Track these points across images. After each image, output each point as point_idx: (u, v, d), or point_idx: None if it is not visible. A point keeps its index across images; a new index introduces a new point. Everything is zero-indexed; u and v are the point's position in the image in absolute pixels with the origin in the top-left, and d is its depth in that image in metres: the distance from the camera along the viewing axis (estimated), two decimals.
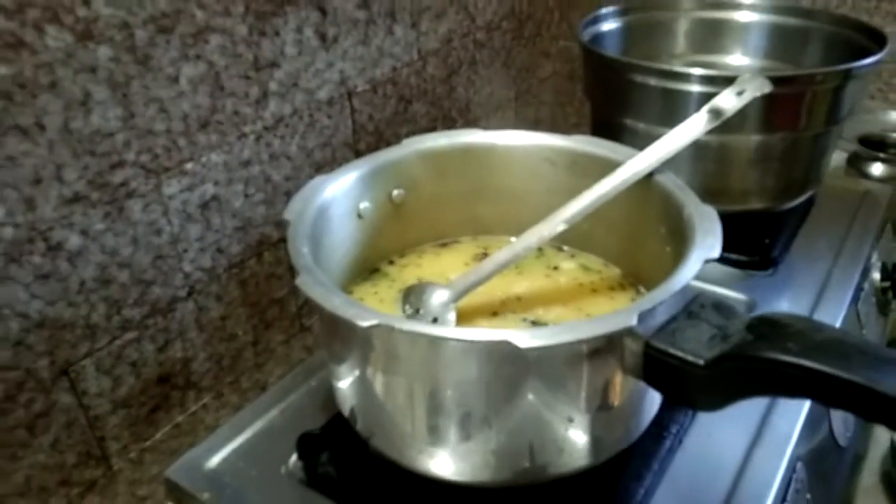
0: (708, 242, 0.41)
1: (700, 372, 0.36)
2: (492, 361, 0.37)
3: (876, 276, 0.73)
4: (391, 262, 0.58)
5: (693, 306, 0.39)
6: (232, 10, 0.56)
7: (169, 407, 0.63)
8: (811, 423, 0.54)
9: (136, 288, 0.57)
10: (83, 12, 0.47)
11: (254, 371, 0.70)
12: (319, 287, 0.38)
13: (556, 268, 0.57)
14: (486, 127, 0.92)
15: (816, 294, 0.67)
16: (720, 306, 0.39)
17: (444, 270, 0.56)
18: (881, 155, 1.03)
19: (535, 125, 1.04)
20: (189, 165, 0.57)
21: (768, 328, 0.36)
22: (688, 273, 0.38)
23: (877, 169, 1.03)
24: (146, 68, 0.52)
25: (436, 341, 0.36)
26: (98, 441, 0.58)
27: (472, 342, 0.36)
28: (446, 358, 0.38)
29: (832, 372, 0.32)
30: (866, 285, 0.71)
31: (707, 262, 0.40)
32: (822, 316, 0.64)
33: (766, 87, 0.48)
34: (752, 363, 0.34)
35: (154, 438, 0.62)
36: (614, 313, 0.36)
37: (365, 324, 0.35)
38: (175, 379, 0.63)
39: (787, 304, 0.65)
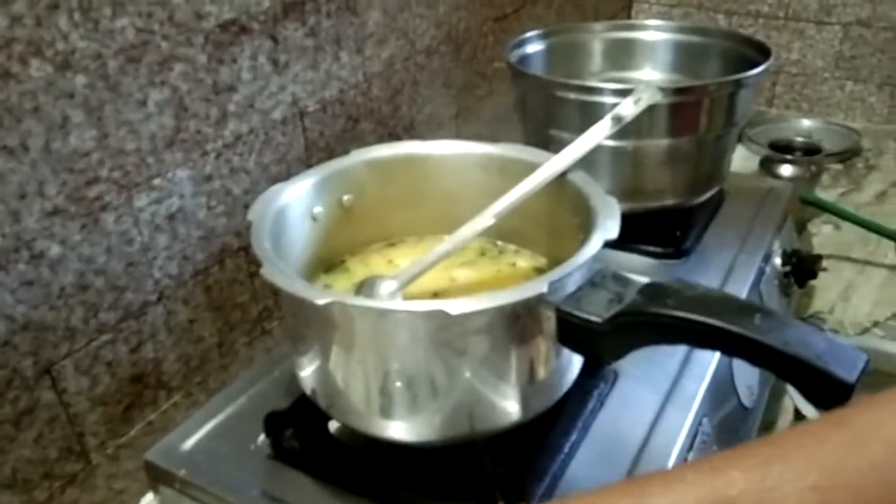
0: (608, 225, 0.49)
1: (600, 328, 0.43)
2: (429, 329, 0.44)
3: (777, 261, 0.83)
4: (343, 262, 0.65)
5: (596, 277, 0.47)
6: (193, 40, 0.63)
7: (142, 405, 0.68)
8: (716, 386, 0.63)
9: (110, 293, 0.62)
10: (62, 45, 0.53)
11: (220, 372, 0.75)
12: (281, 274, 0.45)
13: (490, 258, 0.65)
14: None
15: (723, 278, 0.75)
16: (618, 277, 0.47)
17: (391, 265, 0.63)
18: (788, 157, 1.14)
19: (475, 140, 1.12)
20: (157, 181, 0.63)
21: (654, 290, 0.44)
22: (591, 249, 0.46)
23: (786, 170, 1.14)
24: (117, 94, 0.58)
25: (381, 313, 0.43)
26: (77, 437, 0.62)
27: (411, 312, 0.43)
28: (391, 328, 0.44)
29: (699, 319, 0.40)
30: (768, 269, 0.80)
31: (607, 241, 0.48)
32: None
33: (658, 96, 0.56)
34: (640, 317, 0.42)
35: (129, 435, 0.67)
36: (529, 283, 0.44)
37: (321, 301, 0.42)
38: (147, 378, 0.68)
39: None
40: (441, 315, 0.42)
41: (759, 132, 1.37)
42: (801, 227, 1.09)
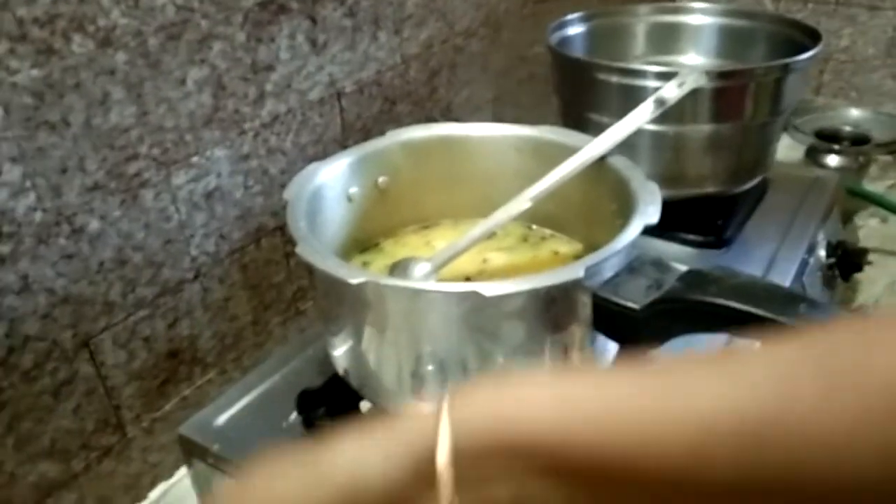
0: (648, 211, 0.48)
1: (637, 315, 0.42)
2: (463, 310, 0.44)
3: (822, 253, 0.80)
4: (377, 244, 0.64)
5: (635, 263, 0.46)
6: (232, 19, 0.63)
7: (177, 381, 0.69)
8: None
9: (148, 269, 0.63)
10: (103, 22, 0.53)
11: (254, 350, 0.76)
12: (316, 253, 0.45)
13: (525, 241, 0.64)
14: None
15: (765, 269, 0.74)
16: (658, 263, 0.45)
17: (427, 247, 0.63)
18: (835, 147, 1.11)
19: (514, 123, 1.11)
20: (195, 159, 0.64)
21: (695, 278, 0.42)
22: (630, 234, 0.45)
23: (832, 160, 1.11)
24: (157, 71, 0.58)
25: (414, 293, 0.43)
26: (114, 409, 0.64)
27: (444, 292, 0.42)
28: (424, 309, 0.44)
29: (741, 307, 0.39)
30: (812, 261, 0.78)
31: (647, 226, 0.46)
32: None
33: (703, 79, 0.55)
34: (680, 304, 0.41)
35: (164, 409, 0.68)
36: (566, 267, 0.43)
37: (355, 280, 0.42)
38: (183, 354, 0.69)
39: None
40: (475, 296, 0.41)
41: (806, 121, 1.33)
42: (847, 219, 1.06)
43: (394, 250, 0.64)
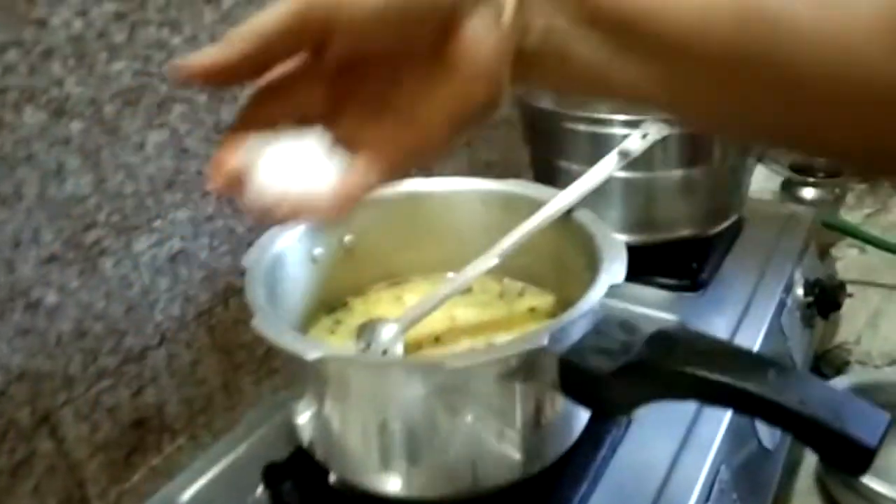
0: (613, 269, 0.47)
1: (605, 381, 0.41)
2: (426, 382, 0.42)
3: (799, 292, 0.80)
4: (346, 303, 0.63)
5: (601, 325, 0.44)
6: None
7: (145, 450, 0.67)
8: (735, 429, 0.60)
9: (110, 338, 0.61)
10: (56, 92, 0.52)
11: (226, 413, 0.74)
12: (273, 326, 0.44)
13: (497, 297, 0.63)
14: (441, 171, 0.98)
15: (742, 311, 0.73)
16: (625, 324, 0.44)
17: (398, 302, 0.62)
18: (810, 179, 1.11)
19: (488, 167, 1.10)
20: (157, 223, 0.62)
21: (662, 341, 0.41)
22: (594, 297, 0.44)
23: (808, 193, 1.11)
24: (115, 137, 0.57)
25: (375, 367, 0.41)
26: (78, 485, 0.61)
27: (406, 366, 0.41)
28: (387, 382, 0.43)
29: (709, 376, 0.37)
30: (790, 301, 0.77)
31: (612, 286, 0.45)
32: (747, 330, 0.70)
33: (665, 130, 0.54)
34: (648, 371, 0.40)
35: (131, 481, 0.66)
36: (529, 334, 0.42)
37: (311, 356, 0.41)
38: (150, 423, 0.66)
39: (715, 322, 0.71)
40: (438, 369, 0.40)
41: (779, 151, 1.33)
42: (825, 252, 1.06)
43: (364, 308, 0.63)
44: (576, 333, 0.44)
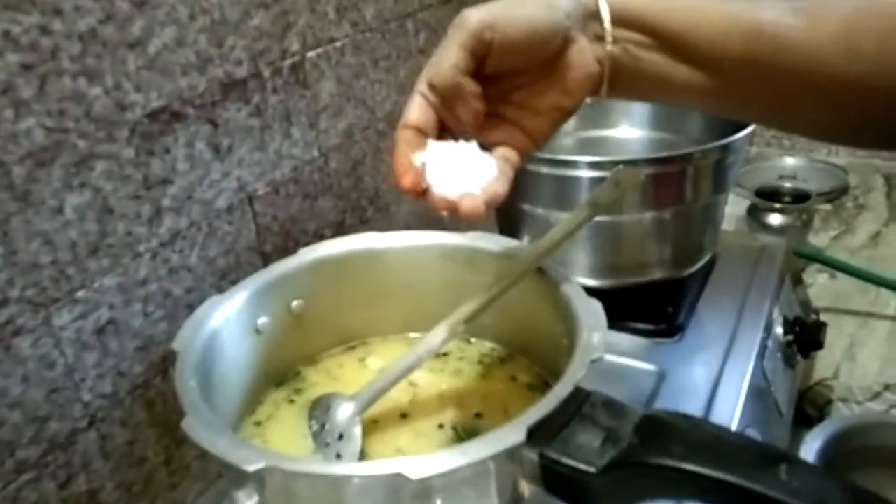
0: (592, 342, 0.42)
1: (593, 479, 0.36)
2: (387, 493, 0.37)
3: (779, 330, 0.76)
4: (297, 374, 0.57)
5: (585, 408, 0.39)
6: (116, 135, 0.56)
7: None
8: None
9: (30, 426, 0.54)
10: None
11: (169, 491, 0.67)
12: (206, 428, 0.38)
13: (462, 360, 0.57)
14: (398, 212, 0.93)
15: (722, 356, 0.69)
16: (611, 405, 0.39)
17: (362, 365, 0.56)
18: (776, 205, 1.09)
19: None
20: (80, 293, 0.56)
21: (654, 430, 0.37)
22: (572, 378, 0.39)
23: (774, 219, 1.09)
24: (26, 203, 0.51)
25: (327, 479, 0.36)
26: None
27: (363, 477, 0.35)
28: (341, 493, 0.37)
29: (712, 474, 0.33)
30: (770, 342, 0.73)
31: (593, 361, 0.41)
32: (730, 376, 0.66)
33: (639, 177, 0.50)
34: (641, 468, 0.35)
35: None
36: (504, 430, 0.36)
37: (251, 468, 0.35)
38: None
39: (695, 369, 0.67)
40: (401, 479, 0.34)
41: (743, 174, 1.31)
42: (797, 279, 1.03)
43: (316, 378, 0.57)
44: (556, 420, 0.39)
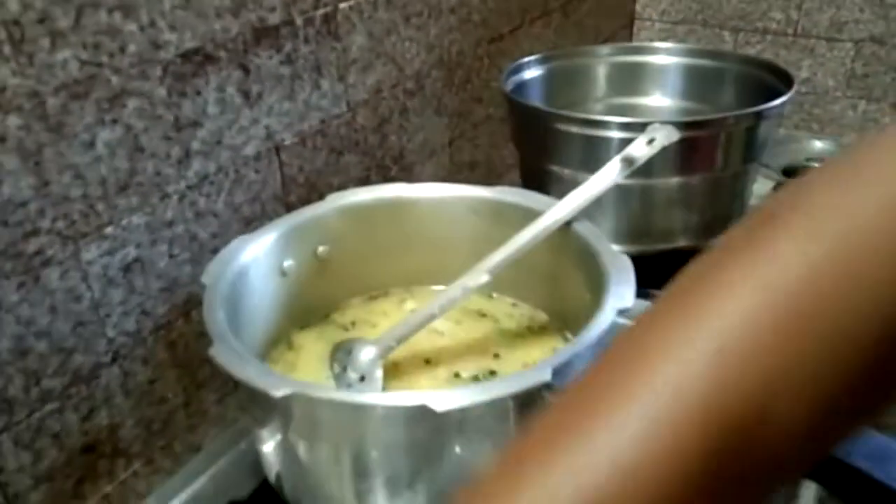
0: (621, 292, 0.42)
1: None
2: (410, 425, 0.37)
3: None
4: (327, 316, 0.57)
5: None
6: (149, 73, 0.56)
7: (96, 477, 0.61)
8: None
9: (55, 357, 0.55)
10: None
11: (187, 434, 0.68)
12: (233, 356, 0.38)
13: (485, 315, 0.58)
14: (422, 172, 0.93)
15: None
16: None
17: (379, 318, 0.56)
18: None
19: (471, 168, 1.05)
20: (109, 229, 0.56)
21: None
22: (601, 325, 0.39)
23: None
24: (59, 135, 0.51)
25: (351, 408, 0.36)
26: None
27: (387, 407, 0.35)
28: (364, 423, 0.37)
29: None
30: None
31: (621, 312, 0.40)
32: None
33: (675, 136, 0.49)
34: None
35: None
36: (530, 370, 0.37)
37: (278, 393, 0.35)
38: (102, 447, 0.60)
39: None
40: (424, 411, 0.35)
41: (771, 155, 1.30)
42: None
43: (343, 320, 0.57)
44: (579, 365, 0.39)
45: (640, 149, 0.50)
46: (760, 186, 1.18)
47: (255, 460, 0.53)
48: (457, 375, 0.51)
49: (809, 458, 0.24)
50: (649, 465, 0.22)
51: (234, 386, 0.72)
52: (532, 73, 0.79)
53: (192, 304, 0.65)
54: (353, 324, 0.56)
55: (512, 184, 0.68)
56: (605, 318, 0.40)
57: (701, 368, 0.23)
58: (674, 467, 0.22)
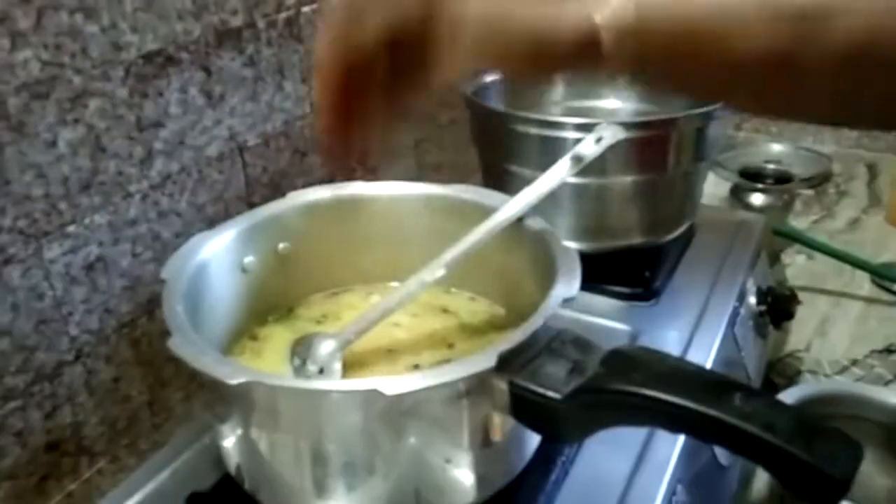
0: (566, 282, 0.43)
1: (559, 405, 0.38)
2: (364, 409, 0.38)
3: (752, 300, 0.78)
4: (290, 309, 0.59)
5: (555, 343, 0.41)
6: (111, 74, 0.57)
7: (60, 475, 0.61)
8: (691, 448, 0.57)
9: (18, 355, 0.55)
10: None
11: (152, 432, 0.69)
12: (192, 347, 0.39)
13: (444, 309, 0.59)
14: (388, 174, 0.94)
15: (695, 321, 0.71)
16: (579, 342, 0.41)
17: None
18: (759, 186, 1.11)
19: (436, 170, 1.06)
20: (71, 228, 0.57)
21: (619, 361, 0.38)
22: (545, 312, 0.41)
23: (756, 199, 1.11)
24: (21, 134, 0.52)
25: (305, 394, 0.37)
26: None
27: (340, 392, 0.37)
28: (318, 410, 0.39)
29: (668, 398, 0.35)
30: (743, 310, 0.75)
31: (566, 300, 0.42)
32: (701, 340, 0.68)
33: (620, 134, 0.51)
34: (603, 394, 0.37)
35: None
36: (476, 356, 0.38)
37: (234, 381, 0.36)
38: (65, 445, 0.61)
39: (668, 332, 0.69)
40: (375, 395, 0.36)
41: (728, 157, 1.33)
42: (775, 258, 1.06)
43: (308, 315, 0.59)
44: (527, 352, 0.40)
45: (589, 147, 0.52)
46: (718, 188, 1.22)
47: (218, 455, 0.54)
48: (416, 367, 0.53)
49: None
50: None
51: (198, 384, 0.73)
52: (492, 75, 0.81)
53: (155, 303, 0.65)
54: (320, 318, 0.58)
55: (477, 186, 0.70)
56: (550, 306, 0.42)
57: None
58: None
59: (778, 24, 0.32)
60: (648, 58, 0.34)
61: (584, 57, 0.35)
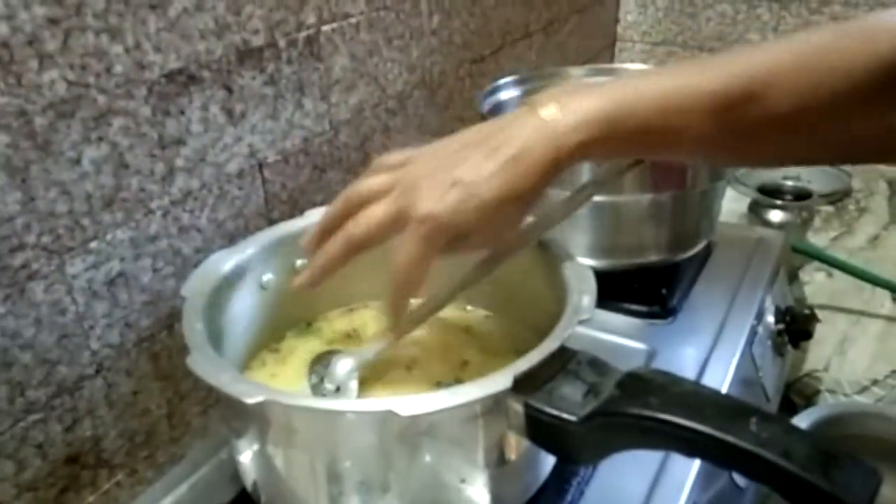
0: (582, 304, 0.43)
1: (574, 428, 0.38)
2: (377, 430, 0.39)
3: (770, 319, 0.78)
4: (309, 324, 0.59)
5: (571, 364, 0.41)
6: (134, 93, 0.58)
7: (79, 487, 0.62)
8: (707, 469, 0.57)
9: (40, 369, 0.56)
10: None
11: (170, 445, 0.69)
12: (210, 365, 0.40)
13: (462, 327, 0.59)
14: None
15: (713, 339, 0.70)
16: (595, 363, 0.41)
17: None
18: (778, 202, 1.10)
19: None
20: (93, 244, 0.58)
21: (635, 384, 0.38)
22: (560, 334, 0.41)
23: (775, 215, 1.10)
24: (46, 153, 0.53)
25: (321, 413, 0.38)
26: None
27: (355, 412, 0.37)
28: (334, 429, 0.39)
29: (684, 423, 0.34)
30: (761, 329, 0.75)
31: (581, 322, 0.42)
32: (718, 359, 0.68)
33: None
34: (619, 418, 0.37)
35: None
36: (491, 377, 0.38)
37: (251, 400, 0.37)
38: (85, 458, 0.62)
39: (685, 350, 0.69)
40: (390, 416, 0.36)
41: (747, 173, 1.32)
42: (794, 276, 1.05)
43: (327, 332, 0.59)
44: (543, 373, 0.40)
45: (608, 172, 0.52)
46: (737, 205, 1.21)
47: (235, 470, 0.55)
48: (438, 384, 0.53)
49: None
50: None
51: (216, 398, 0.73)
52: (509, 93, 0.81)
53: (175, 318, 0.66)
54: (338, 334, 0.58)
55: None
56: (567, 327, 0.42)
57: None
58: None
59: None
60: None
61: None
